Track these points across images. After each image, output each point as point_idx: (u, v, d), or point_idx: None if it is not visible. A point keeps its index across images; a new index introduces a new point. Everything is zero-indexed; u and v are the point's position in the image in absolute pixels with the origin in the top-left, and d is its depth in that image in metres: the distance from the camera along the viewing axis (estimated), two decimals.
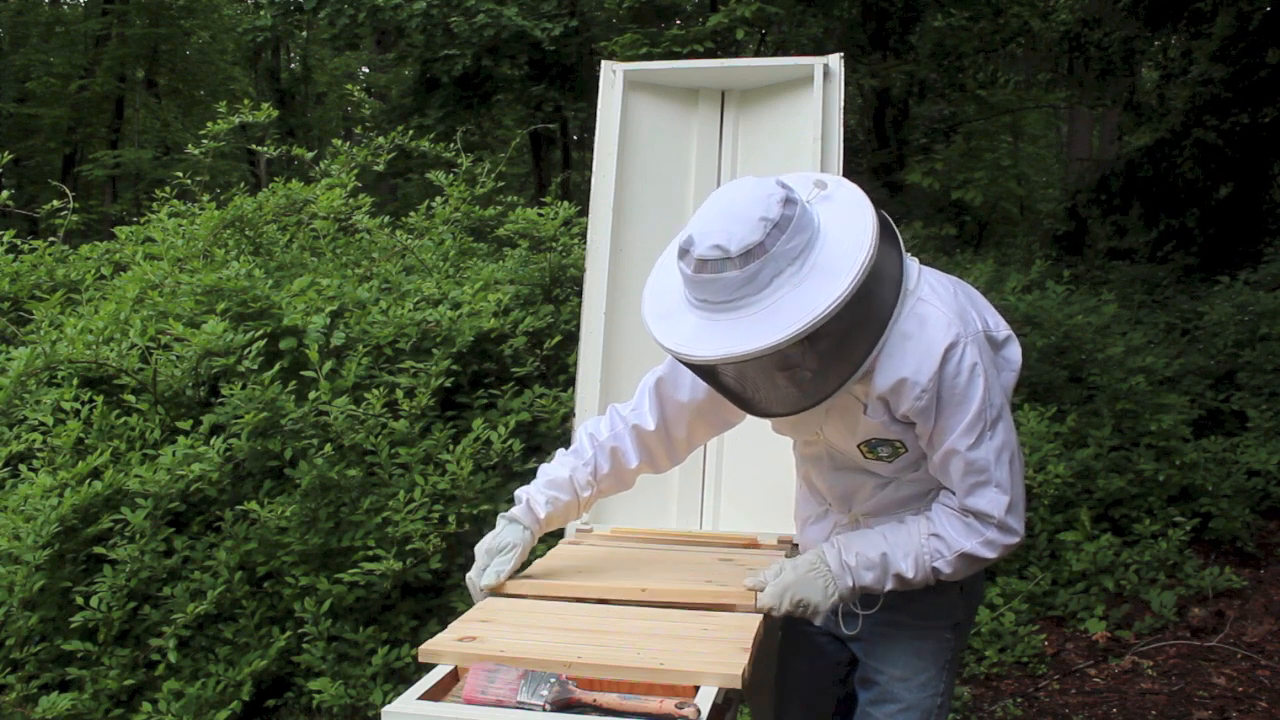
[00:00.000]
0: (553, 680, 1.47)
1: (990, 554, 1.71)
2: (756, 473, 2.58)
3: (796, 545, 2.11)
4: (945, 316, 1.63)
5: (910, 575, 1.72)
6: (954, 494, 1.73)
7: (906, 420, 1.68)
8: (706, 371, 1.72)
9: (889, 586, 1.74)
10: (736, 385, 1.70)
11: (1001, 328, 1.78)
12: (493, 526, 1.91)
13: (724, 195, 1.60)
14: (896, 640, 1.88)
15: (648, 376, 1.99)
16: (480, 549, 1.88)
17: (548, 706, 1.44)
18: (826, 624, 1.96)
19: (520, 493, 1.94)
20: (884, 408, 1.67)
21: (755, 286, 1.52)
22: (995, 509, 1.68)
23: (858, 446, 1.75)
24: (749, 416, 1.98)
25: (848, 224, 1.58)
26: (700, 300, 1.56)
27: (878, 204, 1.64)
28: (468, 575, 1.88)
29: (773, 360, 1.58)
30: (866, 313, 1.59)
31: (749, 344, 1.50)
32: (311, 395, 3.24)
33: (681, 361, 1.66)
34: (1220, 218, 9.00)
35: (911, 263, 1.69)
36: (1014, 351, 1.78)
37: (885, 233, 1.62)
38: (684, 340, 1.58)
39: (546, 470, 1.96)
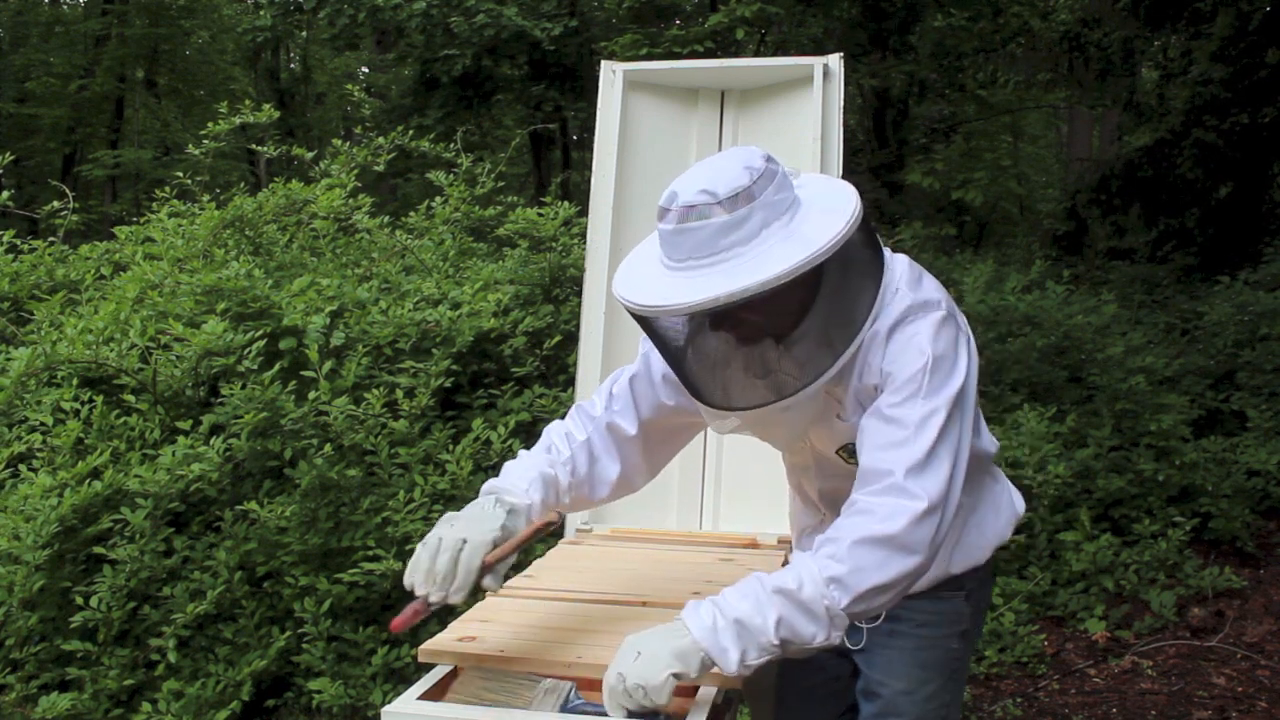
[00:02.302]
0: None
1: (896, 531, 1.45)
2: (756, 473, 2.57)
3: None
4: (904, 298, 1.55)
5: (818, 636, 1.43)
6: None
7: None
8: (675, 347, 1.59)
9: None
10: (716, 369, 1.58)
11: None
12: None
13: (703, 160, 1.55)
14: (901, 653, 1.80)
15: (614, 378, 1.80)
16: (464, 533, 1.50)
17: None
18: None
19: (508, 483, 1.65)
20: (860, 410, 1.58)
21: (745, 234, 1.41)
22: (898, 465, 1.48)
23: (836, 453, 1.68)
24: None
25: (824, 192, 1.55)
26: (681, 260, 1.44)
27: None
28: (428, 560, 1.49)
29: (737, 332, 1.51)
30: (851, 291, 1.53)
31: (744, 280, 1.37)
32: (311, 395, 3.24)
33: (654, 315, 1.50)
34: (1220, 218, 9.00)
35: (886, 251, 1.62)
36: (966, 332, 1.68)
37: (863, 221, 1.55)
38: (667, 295, 1.42)
39: (528, 464, 1.70)
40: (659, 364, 1.74)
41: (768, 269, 1.38)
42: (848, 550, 1.42)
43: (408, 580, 1.49)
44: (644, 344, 1.79)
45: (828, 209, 1.48)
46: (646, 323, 1.58)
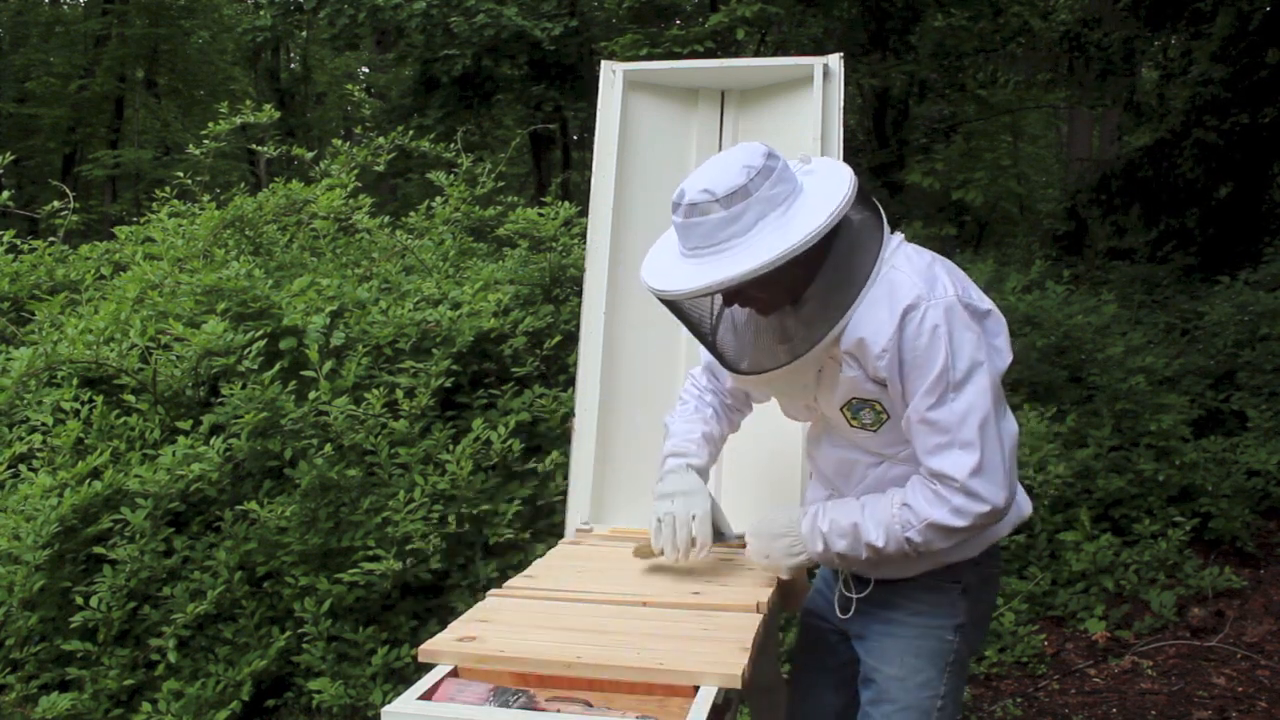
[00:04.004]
0: (520, 695, 1.49)
1: (960, 522, 1.64)
2: (758, 472, 2.58)
3: None
4: (909, 280, 1.66)
5: (881, 545, 1.73)
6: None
7: (879, 380, 1.69)
8: (693, 319, 1.83)
9: (864, 556, 1.77)
10: (720, 337, 1.83)
11: (984, 301, 1.76)
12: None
13: (712, 157, 1.75)
14: (895, 640, 1.89)
15: (692, 373, 2.16)
16: (681, 514, 1.93)
17: None
18: (832, 618, 2.01)
19: (682, 444, 2.03)
20: (856, 364, 1.70)
21: (740, 227, 1.63)
22: (958, 471, 1.62)
23: (841, 411, 1.77)
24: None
25: (827, 180, 1.70)
26: (691, 249, 1.67)
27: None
28: (670, 534, 1.93)
29: (750, 305, 1.73)
30: (842, 270, 1.67)
31: (727, 271, 1.60)
32: (311, 395, 3.24)
33: (665, 299, 1.74)
34: (1220, 218, 9.00)
35: (893, 237, 1.73)
36: (996, 324, 1.75)
37: (866, 204, 1.72)
38: (671, 280, 1.68)
39: (689, 428, 2.06)
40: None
41: (755, 259, 1.59)
42: (923, 528, 1.68)
43: (655, 546, 1.95)
44: None
45: (822, 195, 1.65)
46: (667, 301, 1.78)
